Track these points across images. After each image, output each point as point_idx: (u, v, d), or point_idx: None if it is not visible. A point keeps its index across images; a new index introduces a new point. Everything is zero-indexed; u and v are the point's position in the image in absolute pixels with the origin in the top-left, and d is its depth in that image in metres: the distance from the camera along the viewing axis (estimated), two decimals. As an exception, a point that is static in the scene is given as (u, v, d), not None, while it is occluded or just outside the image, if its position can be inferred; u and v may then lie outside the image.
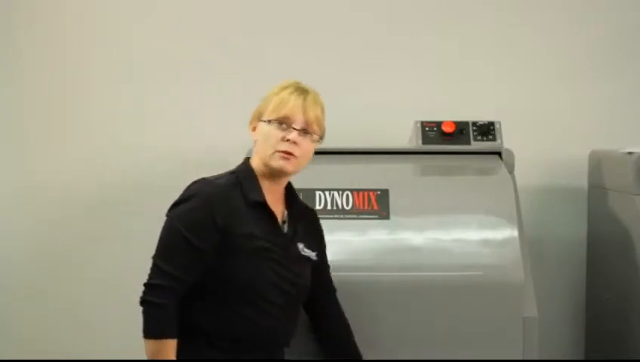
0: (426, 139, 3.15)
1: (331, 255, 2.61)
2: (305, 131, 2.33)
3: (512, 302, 2.76)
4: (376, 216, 2.86)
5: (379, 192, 2.89)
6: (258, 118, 2.38)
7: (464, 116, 3.21)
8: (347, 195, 2.89)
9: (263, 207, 2.34)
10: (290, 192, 2.45)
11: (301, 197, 2.53)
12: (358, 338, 2.60)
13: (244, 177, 2.35)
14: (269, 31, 3.62)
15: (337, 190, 2.88)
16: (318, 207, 2.79)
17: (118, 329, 3.61)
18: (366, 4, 3.65)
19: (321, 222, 2.59)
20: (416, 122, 3.20)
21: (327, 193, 2.87)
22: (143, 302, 2.26)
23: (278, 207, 2.39)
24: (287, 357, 2.47)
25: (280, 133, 2.32)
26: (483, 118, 3.21)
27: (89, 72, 3.66)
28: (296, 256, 2.39)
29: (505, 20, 3.65)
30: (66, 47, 3.67)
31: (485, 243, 2.84)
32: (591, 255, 3.54)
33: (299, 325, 2.46)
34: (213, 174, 2.42)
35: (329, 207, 2.82)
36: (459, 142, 3.15)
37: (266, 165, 2.34)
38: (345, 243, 2.57)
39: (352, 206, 2.88)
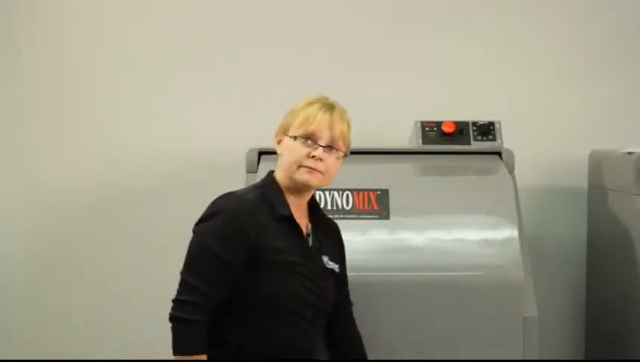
0: (426, 139, 3.15)
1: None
2: (330, 147, 2.34)
3: (512, 302, 2.76)
4: (376, 216, 2.86)
5: (379, 192, 2.89)
6: (284, 132, 2.37)
7: (464, 116, 3.22)
8: (347, 195, 2.89)
9: (290, 221, 2.34)
10: (314, 205, 2.46)
11: None
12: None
13: (270, 191, 2.35)
14: (269, 31, 3.62)
15: (337, 190, 2.88)
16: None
17: (117, 329, 3.62)
18: (366, 4, 3.65)
19: None
20: (416, 122, 3.20)
21: (327, 193, 2.87)
22: (173, 318, 2.25)
23: (302, 221, 2.40)
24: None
25: (305, 149, 2.32)
26: (483, 118, 3.21)
27: (89, 72, 3.66)
28: (322, 269, 2.39)
29: (505, 20, 3.65)
30: (66, 47, 3.67)
31: (485, 243, 2.84)
32: (591, 255, 3.54)
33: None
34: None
35: (329, 207, 2.82)
36: (459, 142, 3.15)
37: (290, 179, 2.34)
38: (345, 243, 2.57)
39: (352, 206, 2.88)
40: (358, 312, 2.59)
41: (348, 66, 3.61)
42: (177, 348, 2.23)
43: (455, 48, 3.63)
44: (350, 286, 2.56)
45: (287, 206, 2.35)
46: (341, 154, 2.37)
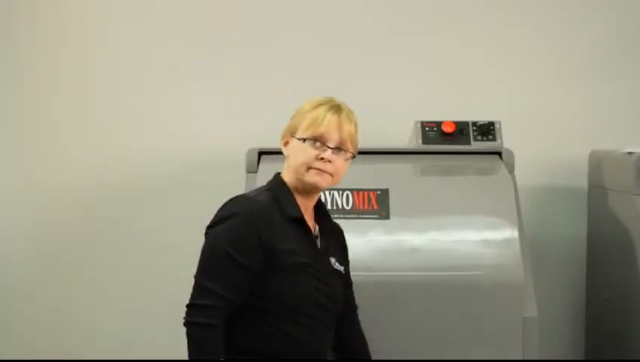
0: (426, 139, 3.15)
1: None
2: (339, 149, 2.33)
3: (512, 302, 2.76)
4: (376, 216, 2.86)
5: (379, 192, 2.89)
6: (291, 133, 2.36)
7: (464, 116, 3.22)
8: (347, 195, 2.89)
9: (301, 222, 2.34)
10: (321, 207, 2.46)
11: None
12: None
13: (280, 193, 2.34)
14: (269, 31, 3.62)
15: (337, 190, 2.88)
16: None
17: (117, 329, 3.62)
18: (366, 4, 3.65)
19: None
20: (416, 122, 3.20)
21: (326, 193, 2.87)
22: (189, 323, 2.22)
23: (310, 222, 2.40)
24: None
25: (314, 152, 2.31)
26: (483, 118, 3.21)
27: (89, 72, 3.66)
28: (331, 271, 2.39)
29: (505, 20, 3.65)
30: (66, 47, 3.66)
31: (485, 243, 2.84)
32: (591, 255, 3.54)
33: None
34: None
35: (329, 207, 2.82)
36: (459, 142, 3.15)
37: (299, 181, 2.34)
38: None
39: (352, 206, 2.88)
40: (359, 312, 2.59)
41: (348, 66, 3.61)
42: (196, 354, 2.20)
43: (455, 48, 3.63)
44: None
45: (297, 207, 2.34)
46: (349, 155, 2.37)
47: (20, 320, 3.66)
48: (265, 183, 2.42)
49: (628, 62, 3.66)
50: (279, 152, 2.43)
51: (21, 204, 3.65)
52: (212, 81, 3.62)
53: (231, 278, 2.22)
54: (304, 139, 2.32)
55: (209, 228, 2.30)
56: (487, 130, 3.16)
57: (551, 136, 3.64)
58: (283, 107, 2.49)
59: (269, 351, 2.27)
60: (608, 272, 3.36)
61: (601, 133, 3.60)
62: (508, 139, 3.16)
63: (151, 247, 3.61)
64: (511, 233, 2.83)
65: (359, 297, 2.58)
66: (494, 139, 3.15)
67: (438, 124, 3.17)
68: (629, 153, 3.10)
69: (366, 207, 2.88)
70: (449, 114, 3.24)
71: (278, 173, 2.41)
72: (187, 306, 2.24)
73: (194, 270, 2.28)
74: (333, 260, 2.41)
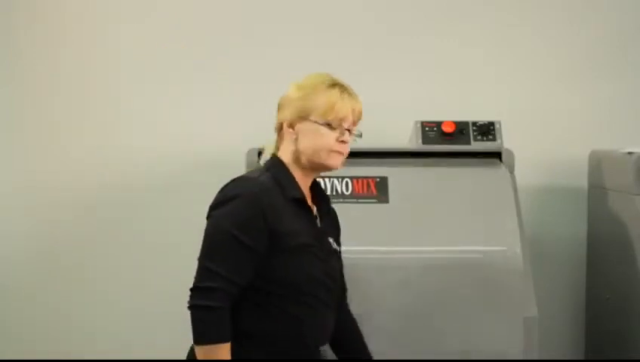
0: (426, 139, 3.15)
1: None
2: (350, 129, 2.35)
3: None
4: (376, 201, 2.87)
5: (378, 179, 2.91)
6: (302, 116, 2.32)
7: (464, 116, 3.21)
8: (347, 182, 2.90)
9: (302, 203, 2.32)
10: (317, 187, 2.44)
11: None
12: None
13: (280, 174, 2.31)
14: (268, 31, 3.62)
15: (337, 177, 2.90)
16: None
17: (117, 329, 3.62)
18: (366, 4, 3.65)
19: None
20: (416, 122, 3.20)
21: (326, 180, 2.89)
22: (193, 306, 2.17)
23: (309, 203, 2.38)
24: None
25: (334, 134, 2.31)
26: (483, 118, 3.21)
27: (89, 72, 3.66)
28: (331, 251, 2.38)
29: (505, 20, 3.65)
30: (66, 47, 3.67)
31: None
32: (591, 255, 3.54)
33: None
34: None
35: (328, 193, 2.83)
36: (459, 142, 3.15)
37: (314, 163, 2.32)
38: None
39: (352, 192, 2.90)
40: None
41: (348, 66, 3.58)
42: (201, 338, 2.16)
43: (455, 48, 3.63)
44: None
45: (299, 188, 2.32)
46: (357, 133, 2.38)
47: (20, 320, 3.66)
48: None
49: (628, 62, 3.66)
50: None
51: (21, 204, 3.65)
52: (212, 81, 3.62)
53: (236, 260, 2.19)
54: (328, 124, 2.30)
55: (212, 209, 2.26)
56: (487, 130, 3.16)
57: (551, 136, 3.64)
58: (283, 107, 2.49)
59: (273, 333, 2.24)
60: (608, 272, 3.36)
61: (601, 133, 3.60)
62: (508, 139, 3.16)
63: (151, 247, 3.61)
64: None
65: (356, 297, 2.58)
66: (494, 139, 3.15)
67: (438, 124, 3.17)
68: (629, 153, 3.10)
69: (365, 191, 2.90)
70: (449, 114, 3.24)
71: (274, 155, 2.38)
72: (191, 289, 2.19)
73: (194, 270, 2.26)
74: (331, 240, 2.40)
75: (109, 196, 3.65)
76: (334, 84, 2.36)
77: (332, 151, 2.31)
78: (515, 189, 2.97)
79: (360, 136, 2.40)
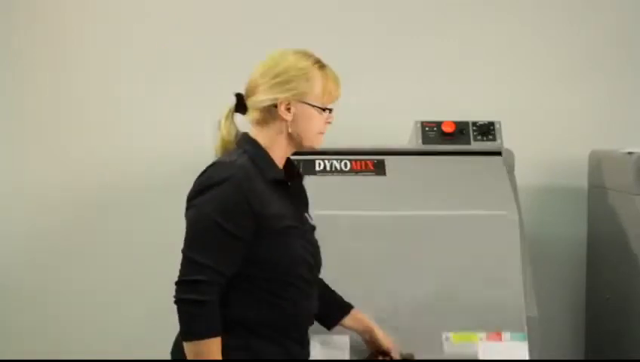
0: (426, 139, 3.15)
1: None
2: None
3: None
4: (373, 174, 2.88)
5: (376, 161, 2.92)
6: (297, 98, 2.27)
7: (464, 116, 3.21)
8: (345, 163, 2.92)
9: (283, 184, 2.26)
10: (291, 163, 2.37)
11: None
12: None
13: (257, 156, 2.24)
14: (268, 31, 3.62)
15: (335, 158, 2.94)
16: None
17: (117, 329, 3.62)
18: (366, 4, 3.65)
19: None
20: (416, 122, 3.20)
21: (325, 161, 2.91)
22: (180, 300, 2.10)
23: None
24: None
25: (324, 116, 2.29)
26: (483, 118, 3.21)
27: (89, 73, 3.66)
28: (310, 228, 2.35)
29: (505, 20, 3.65)
30: (65, 47, 3.67)
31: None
32: (591, 255, 3.53)
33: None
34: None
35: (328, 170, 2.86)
36: (459, 142, 3.15)
37: (300, 145, 2.28)
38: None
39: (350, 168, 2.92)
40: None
41: (348, 66, 3.58)
42: (190, 333, 2.10)
43: (455, 48, 3.63)
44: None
45: (279, 169, 2.27)
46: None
47: (19, 320, 3.66)
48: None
49: (628, 62, 3.66)
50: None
51: (21, 204, 3.65)
52: (212, 81, 3.62)
53: (222, 250, 2.11)
54: (323, 109, 2.28)
55: (192, 198, 2.18)
56: (487, 130, 3.16)
57: (551, 136, 3.64)
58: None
59: (263, 318, 2.18)
60: (608, 272, 3.36)
61: (601, 133, 3.60)
62: (508, 139, 3.16)
63: (151, 247, 3.60)
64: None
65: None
66: (494, 139, 3.15)
67: (438, 124, 3.17)
68: (629, 153, 3.10)
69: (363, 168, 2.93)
70: (449, 114, 3.24)
71: (246, 134, 2.32)
72: (177, 283, 2.13)
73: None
74: (307, 216, 2.35)
75: (109, 196, 3.65)
76: (326, 65, 2.35)
77: (320, 133, 2.30)
78: (515, 189, 2.97)
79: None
